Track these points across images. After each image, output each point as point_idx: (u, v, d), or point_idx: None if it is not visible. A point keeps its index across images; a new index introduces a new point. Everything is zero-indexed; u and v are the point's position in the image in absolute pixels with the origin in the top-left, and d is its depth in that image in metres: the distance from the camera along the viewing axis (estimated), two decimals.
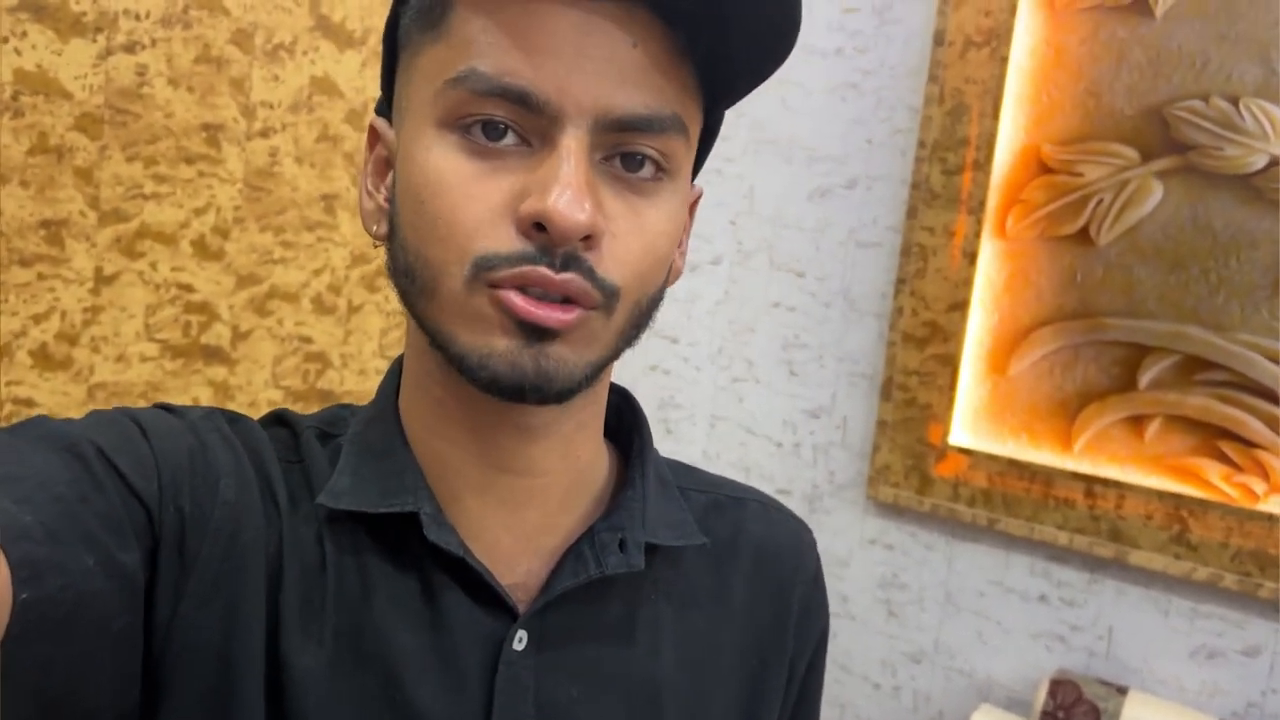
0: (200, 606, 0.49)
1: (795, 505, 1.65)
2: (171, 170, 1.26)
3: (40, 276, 1.16)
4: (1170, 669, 1.36)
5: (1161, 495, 1.35)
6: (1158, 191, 1.36)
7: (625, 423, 0.62)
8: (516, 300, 0.47)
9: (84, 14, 1.15)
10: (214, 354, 1.35)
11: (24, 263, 1.14)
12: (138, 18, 1.20)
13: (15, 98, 1.10)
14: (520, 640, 0.52)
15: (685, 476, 0.65)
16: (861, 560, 1.60)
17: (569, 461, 0.56)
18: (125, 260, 1.23)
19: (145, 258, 1.25)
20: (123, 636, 0.46)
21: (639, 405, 0.63)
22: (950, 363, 1.49)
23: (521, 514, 0.55)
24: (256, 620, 0.50)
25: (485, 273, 0.48)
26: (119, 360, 1.25)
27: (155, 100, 1.23)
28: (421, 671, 0.51)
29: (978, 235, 1.46)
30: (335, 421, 0.59)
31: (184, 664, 0.48)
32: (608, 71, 0.48)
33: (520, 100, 0.47)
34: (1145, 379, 1.38)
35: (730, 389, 1.72)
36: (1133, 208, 1.38)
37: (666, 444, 1.75)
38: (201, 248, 1.31)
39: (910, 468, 1.53)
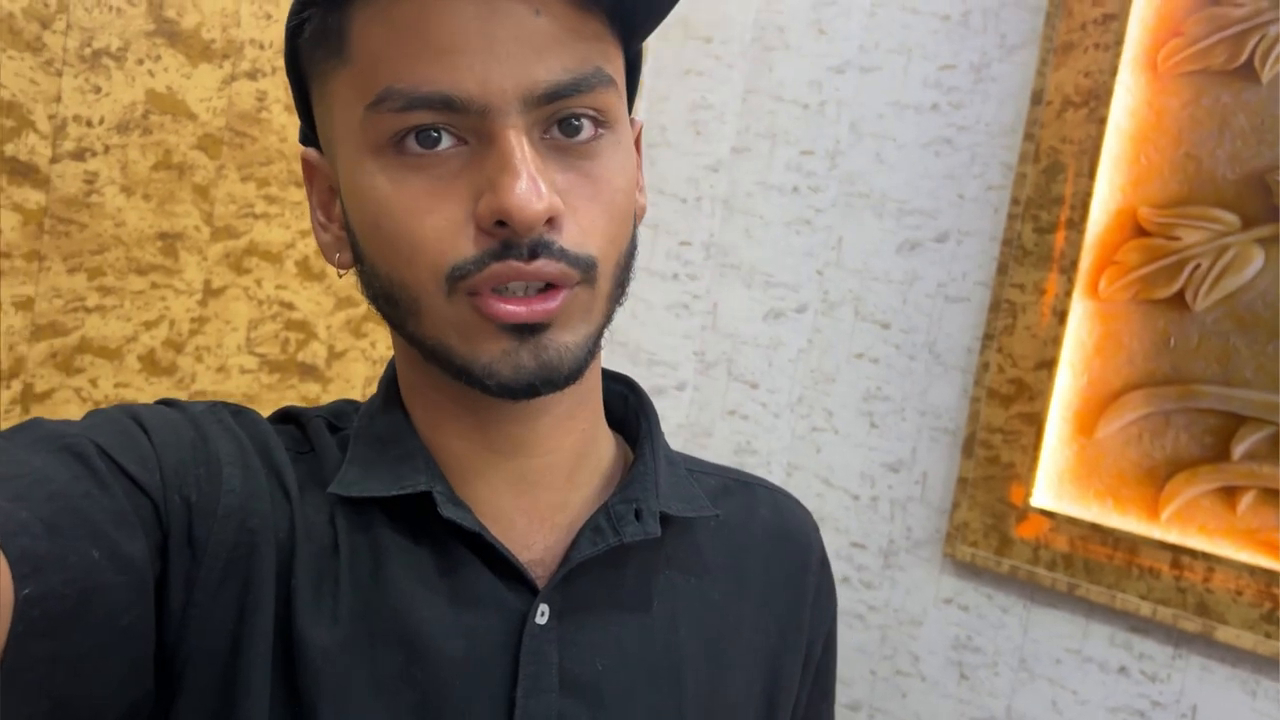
0: (213, 594, 0.49)
1: (870, 560, 1.63)
2: (282, 192, 1.32)
3: (154, 285, 1.22)
4: None
5: (1253, 570, 1.31)
6: (1258, 259, 1.33)
7: (631, 409, 0.63)
8: (497, 306, 0.48)
9: (213, 41, 1.22)
10: (309, 371, 1.40)
11: (140, 271, 1.20)
12: (261, 47, 1.27)
13: (145, 116, 1.17)
14: (543, 614, 0.52)
15: (691, 461, 0.66)
16: (935, 620, 1.57)
17: (572, 436, 0.57)
18: (233, 275, 1.29)
19: (251, 274, 1.31)
20: (132, 630, 0.45)
21: (644, 391, 0.64)
22: (1035, 422, 1.47)
23: (532, 494, 0.56)
24: (268, 604, 0.49)
25: (460, 282, 0.48)
26: (219, 370, 1.30)
27: (272, 125, 1.29)
28: (443, 648, 0.51)
29: (1069, 294, 1.45)
30: (341, 415, 0.59)
31: (198, 654, 0.48)
32: (520, 49, 0.46)
33: (445, 106, 0.46)
34: (1239, 450, 1.34)
35: (808, 438, 1.71)
36: (1231, 274, 1.35)
37: None
38: (305, 268, 1.36)
39: (990, 527, 1.50)
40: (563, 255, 0.48)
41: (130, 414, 0.51)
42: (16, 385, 1.10)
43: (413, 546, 0.52)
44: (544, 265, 0.47)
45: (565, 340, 0.49)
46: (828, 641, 0.67)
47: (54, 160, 1.10)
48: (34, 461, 0.45)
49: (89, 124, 1.12)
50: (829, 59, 1.72)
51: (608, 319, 0.53)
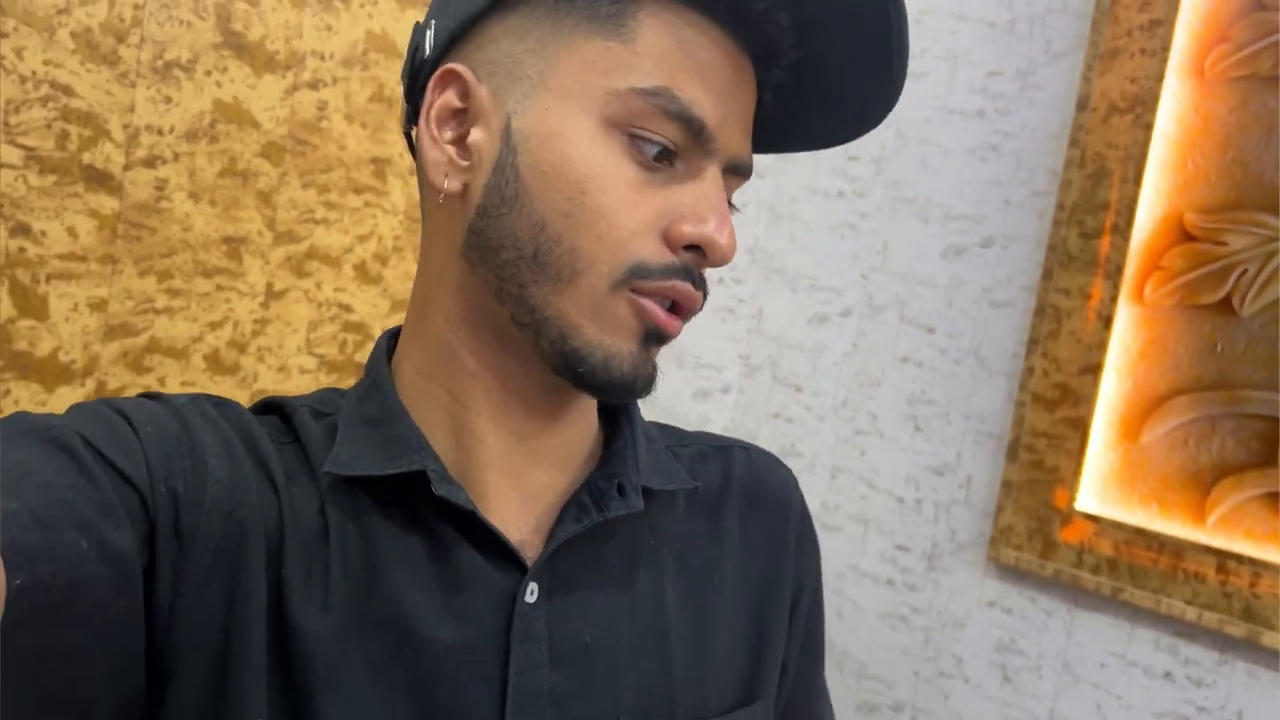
0: (201, 586, 0.48)
1: (914, 562, 1.64)
2: (340, 199, 1.36)
3: (219, 288, 1.27)
4: None
5: None
6: None
7: None
8: (660, 313, 0.52)
9: (277, 52, 1.26)
10: None
11: (206, 274, 1.25)
12: (323, 58, 1.31)
13: (213, 125, 1.22)
14: (532, 592, 0.53)
15: (668, 435, 0.68)
16: (979, 622, 1.57)
17: (574, 429, 0.60)
18: (294, 278, 1.34)
19: (311, 277, 1.36)
20: (120, 622, 0.45)
21: None
22: (1080, 426, 1.48)
23: (529, 475, 0.58)
24: (259, 593, 0.50)
25: (637, 279, 0.51)
26: (280, 370, 1.35)
27: (332, 133, 1.34)
28: (435, 628, 0.51)
29: (1114, 300, 1.45)
30: (326, 401, 0.60)
31: (189, 645, 0.48)
32: (741, 122, 0.53)
33: (697, 131, 0.51)
34: None
35: (852, 441, 1.73)
36: (1279, 280, 1.35)
37: None
38: (363, 272, 1.41)
39: (1034, 531, 1.51)
40: (705, 295, 0.54)
41: (114, 407, 0.51)
42: (91, 383, 1.15)
43: (402, 531, 0.53)
44: (699, 297, 0.54)
45: (657, 359, 0.55)
46: (814, 598, 0.69)
47: (127, 167, 1.15)
48: (21, 453, 0.45)
49: (160, 133, 1.17)
50: None
51: None
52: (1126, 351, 1.46)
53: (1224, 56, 1.39)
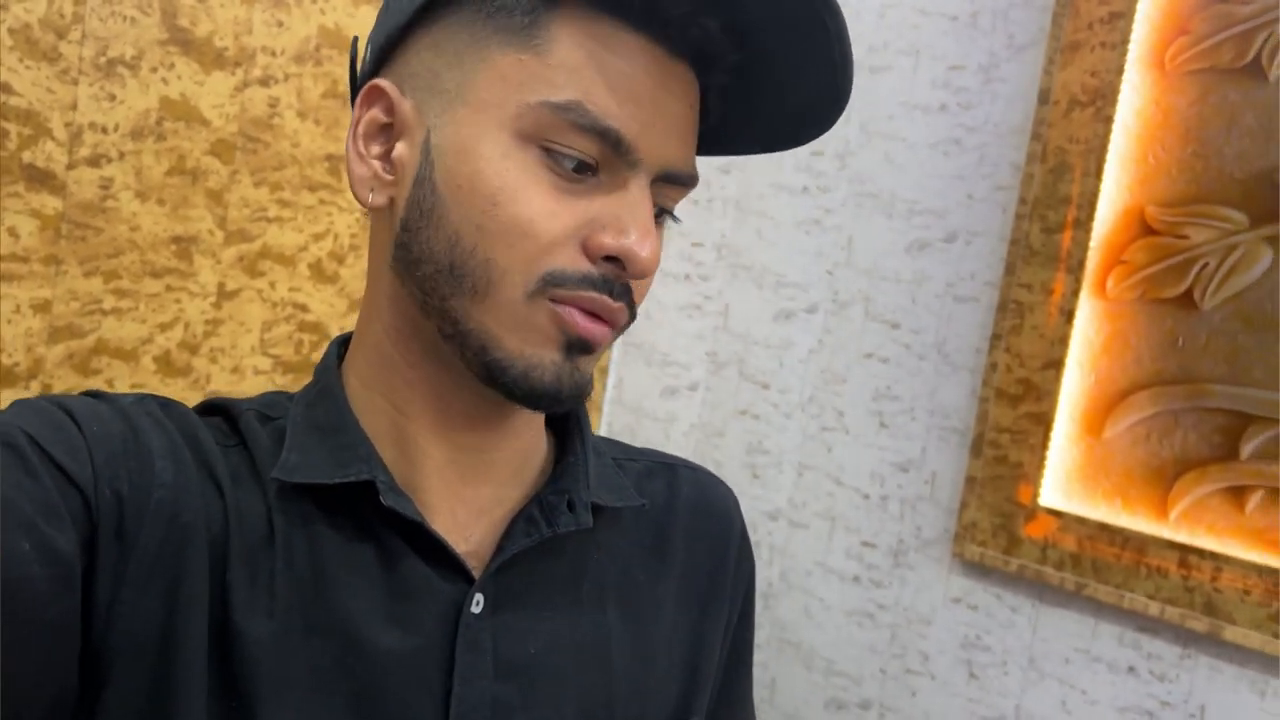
0: (141, 589, 0.48)
1: (880, 559, 1.63)
2: (294, 196, 1.35)
3: (169, 288, 1.25)
4: None
5: (1261, 570, 1.30)
6: (1266, 257, 1.33)
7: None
8: (579, 320, 0.51)
9: (226, 49, 1.24)
10: None
11: (155, 274, 1.23)
12: (273, 54, 1.29)
13: (159, 123, 1.20)
14: (478, 604, 0.54)
15: (615, 449, 0.69)
16: (944, 619, 1.57)
17: (520, 442, 0.59)
18: (246, 278, 1.32)
19: (265, 277, 1.34)
20: (58, 623, 0.45)
21: None
22: (1043, 422, 1.47)
23: (475, 488, 0.57)
24: (200, 599, 0.49)
25: (553, 288, 0.50)
26: (234, 371, 1.33)
27: (284, 130, 1.32)
28: (379, 639, 0.51)
29: (1076, 294, 1.45)
30: (273, 405, 0.59)
31: (126, 648, 0.48)
32: (674, 129, 0.52)
33: (614, 143, 0.50)
34: (1248, 449, 1.33)
35: (819, 438, 1.72)
36: (1240, 273, 1.34)
37: (753, 489, 1.76)
38: (318, 271, 1.39)
39: (998, 526, 1.51)
40: (630, 306, 0.53)
41: (60, 405, 0.50)
42: (35, 386, 1.13)
43: (349, 539, 0.53)
44: (622, 308, 0.53)
45: (588, 368, 0.54)
46: (745, 609, 0.70)
47: (70, 167, 1.13)
48: None
49: (104, 131, 1.15)
50: None
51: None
52: (1089, 346, 1.46)
53: (1184, 49, 1.38)
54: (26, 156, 1.09)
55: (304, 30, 1.31)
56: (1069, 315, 1.45)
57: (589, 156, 0.50)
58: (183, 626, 0.48)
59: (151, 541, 0.49)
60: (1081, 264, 1.45)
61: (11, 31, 1.05)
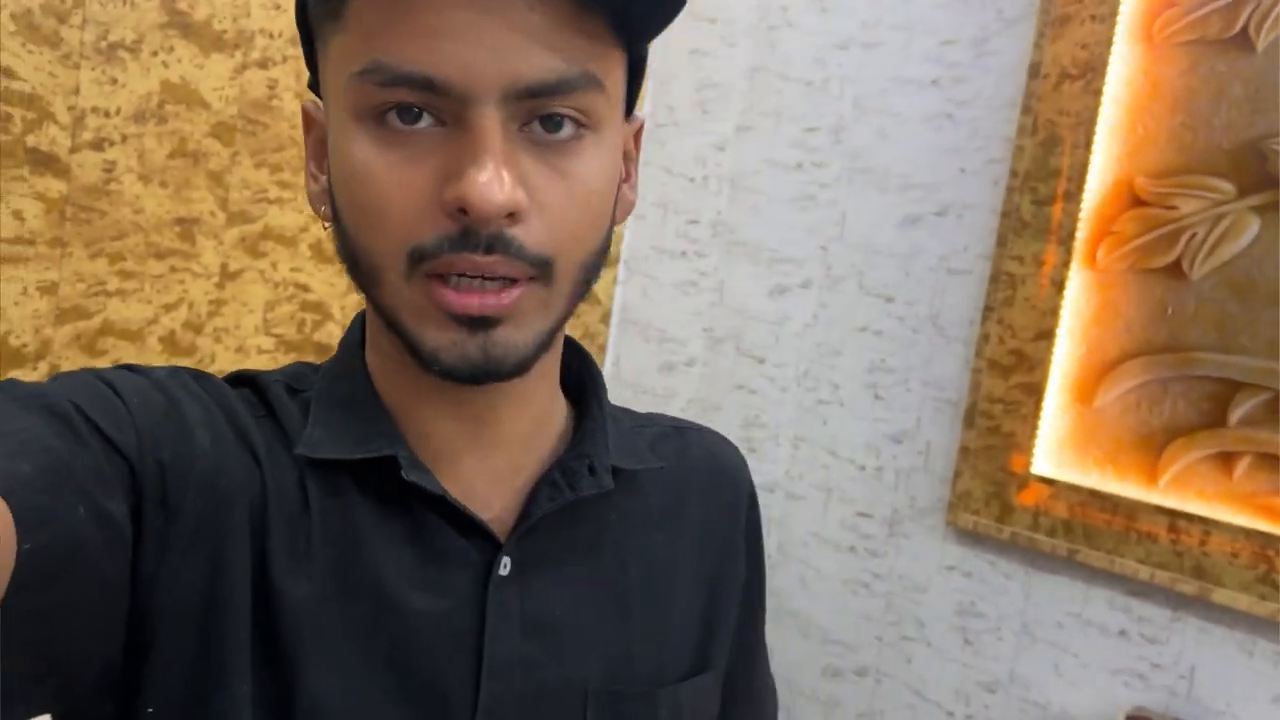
0: (185, 556, 0.49)
1: (875, 528, 1.66)
2: (294, 177, 1.36)
3: (172, 269, 1.27)
4: (1253, 713, 1.33)
5: (1249, 534, 1.33)
6: (1254, 226, 1.34)
7: (575, 372, 0.66)
8: (448, 295, 0.48)
9: (225, 32, 1.26)
10: (325, 351, 1.44)
11: (159, 256, 1.25)
12: (271, 36, 1.31)
13: (161, 106, 1.21)
14: (505, 566, 0.56)
15: (629, 417, 0.70)
16: (939, 587, 1.60)
17: (530, 409, 0.60)
18: (249, 259, 1.34)
19: (267, 257, 1.35)
20: (112, 587, 0.46)
21: (591, 358, 0.67)
22: (1035, 392, 1.49)
23: (491, 458, 0.59)
24: (243, 563, 0.50)
25: (420, 264, 0.48)
26: (238, 351, 1.35)
27: (283, 112, 1.34)
28: (412, 600, 0.53)
29: (1067, 265, 1.47)
30: (300, 377, 0.60)
31: (171, 613, 0.49)
32: (508, 42, 0.46)
33: (426, 86, 0.46)
34: (1236, 415, 1.36)
35: (815, 411, 1.74)
36: (1228, 242, 1.36)
37: (750, 462, 1.77)
38: (319, 251, 1.41)
39: (991, 495, 1.53)
40: (520, 253, 0.48)
41: (101, 377, 0.51)
42: (44, 366, 1.15)
43: (380, 507, 0.55)
44: (498, 262, 0.48)
45: (514, 338, 0.50)
46: (756, 564, 0.72)
47: (73, 150, 1.14)
48: (22, 418, 0.45)
49: (106, 115, 1.16)
50: (832, 36, 1.74)
51: (566, 315, 0.54)
52: (1079, 316, 1.48)
53: (1173, 20, 1.40)
54: (30, 140, 1.10)
55: None
56: (1060, 286, 1.47)
57: (414, 107, 0.47)
58: (226, 591, 0.50)
59: (194, 509, 0.50)
60: (1072, 235, 1.46)
61: (14, 16, 1.07)
